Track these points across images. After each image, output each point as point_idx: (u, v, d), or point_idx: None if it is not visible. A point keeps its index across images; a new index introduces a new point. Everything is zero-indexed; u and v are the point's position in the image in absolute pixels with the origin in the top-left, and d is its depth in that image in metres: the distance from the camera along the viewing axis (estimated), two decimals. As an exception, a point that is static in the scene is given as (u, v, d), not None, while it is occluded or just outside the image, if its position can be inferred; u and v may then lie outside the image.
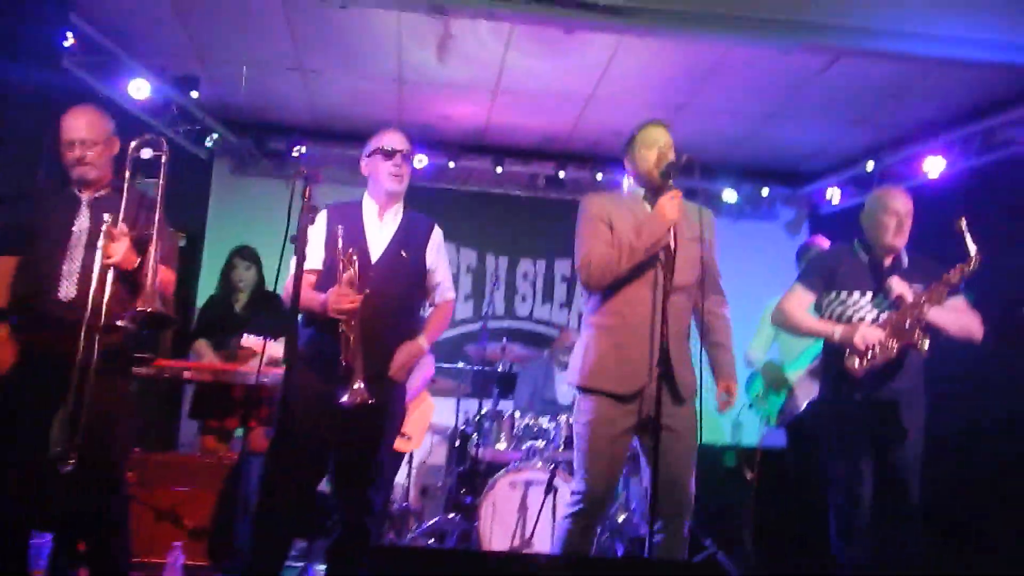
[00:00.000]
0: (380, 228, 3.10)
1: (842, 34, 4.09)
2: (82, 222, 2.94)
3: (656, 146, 2.90)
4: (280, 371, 4.12)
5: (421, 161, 6.17)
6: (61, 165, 3.00)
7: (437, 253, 3.20)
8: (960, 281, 3.32)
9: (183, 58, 5.12)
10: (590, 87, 5.26)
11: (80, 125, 2.98)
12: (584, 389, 2.91)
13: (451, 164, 6.24)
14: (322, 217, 3.09)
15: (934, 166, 5.38)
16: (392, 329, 3.02)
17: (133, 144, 3.00)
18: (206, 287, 6.00)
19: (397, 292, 3.03)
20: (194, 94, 5.33)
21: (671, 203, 2.76)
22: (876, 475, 3.43)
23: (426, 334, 3.12)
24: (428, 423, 4.90)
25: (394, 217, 3.14)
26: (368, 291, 2.87)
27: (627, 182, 3.09)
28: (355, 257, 2.88)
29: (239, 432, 4.41)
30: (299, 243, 2.67)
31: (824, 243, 4.74)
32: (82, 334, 2.77)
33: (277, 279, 2.84)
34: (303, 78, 5.35)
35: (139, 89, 4.97)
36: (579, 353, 2.96)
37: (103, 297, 2.81)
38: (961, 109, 5.21)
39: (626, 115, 5.51)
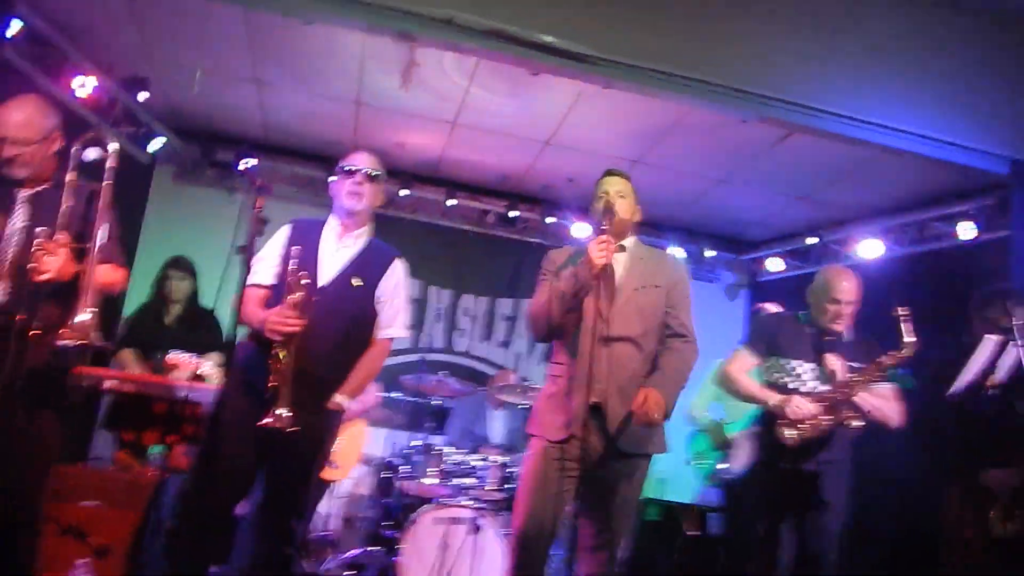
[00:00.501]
0: (336, 251, 3.03)
1: (798, 112, 4.24)
2: (15, 220, 2.76)
3: (604, 197, 2.91)
4: (206, 387, 4.01)
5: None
6: None
7: (394, 287, 3.10)
8: (893, 366, 3.39)
9: (133, 58, 4.95)
10: (548, 132, 5.31)
11: (15, 121, 2.78)
12: (529, 434, 2.95)
13: (402, 192, 6.19)
14: (283, 231, 3.02)
15: (870, 249, 5.56)
16: (329, 358, 2.92)
17: (78, 143, 2.81)
18: (136, 295, 5.79)
19: (340, 321, 2.94)
20: (143, 96, 5.17)
21: (597, 247, 2.72)
22: (796, 542, 3.49)
23: (346, 386, 2.98)
24: (359, 452, 4.79)
25: (354, 241, 3.06)
26: (310, 317, 2.77)
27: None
28: (304, 280, 2.79)
29: (156, 449, 4.23)
30: (246, 255, 2.58)
31: (774, 309, 4.82)
32: (11, 343, 2.58)
33: (218, 293, 2.73)
34: (258, 90, 5.26)
35: (83, 86, 4.76)
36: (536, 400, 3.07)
37: (35, 307, 2.62)
38: (901, 198, 5.43)
39: (581, 163, 5.63)
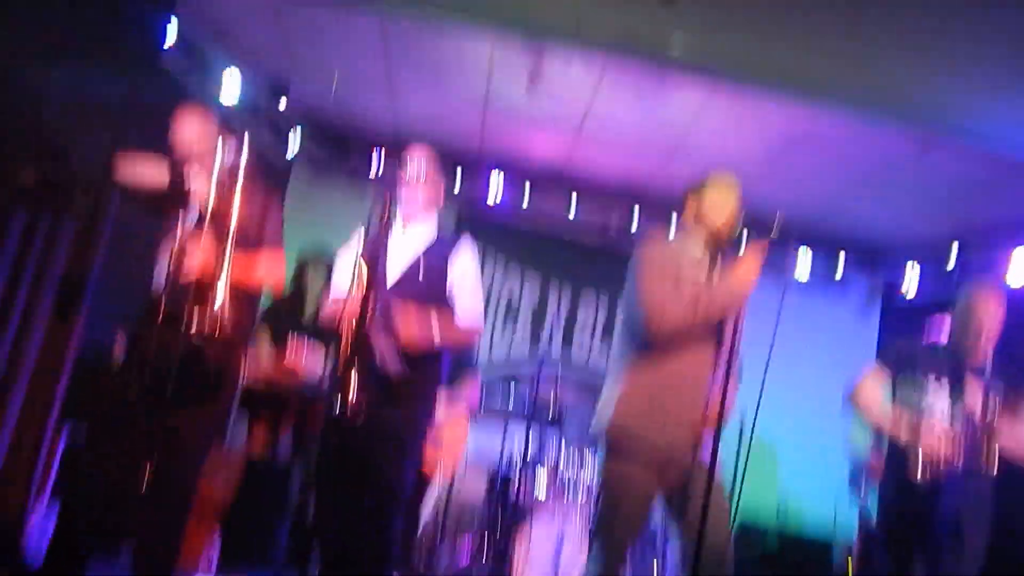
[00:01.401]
0: (402, 246, 3.08)
1: (941, 127, 4.00)
2: (187, 216, 2.91)
3: (729, 203, 2.79)
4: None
5: (496, 189, 6.15)
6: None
7: (463, 273, 3.08)
8: None
9: (275, 64, 5.19)
10: (673, 140, 5.21)
11: (192, 137, 2.96)
12: (610, 439, 2.73)
13: (525, 196, 6.21)
14: (356, 237, 3.06)
15: (1018, 274, 5.15)
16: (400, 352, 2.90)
17: (222, 143, 2.92)
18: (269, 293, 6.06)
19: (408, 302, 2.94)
20: (282, 103, 5.40)
21: (755, 265, 2.65)
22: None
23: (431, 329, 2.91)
24: (461, 451, 4.81)
25: (420, 235, 3.11)
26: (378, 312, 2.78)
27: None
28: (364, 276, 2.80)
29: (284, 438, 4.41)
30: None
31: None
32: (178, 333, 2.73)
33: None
34: (389, 95, 5.39)
35: (230, 93, 5.03)
36: (610, 397, 2.77)
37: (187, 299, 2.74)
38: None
39: (707, 170, 5.44)
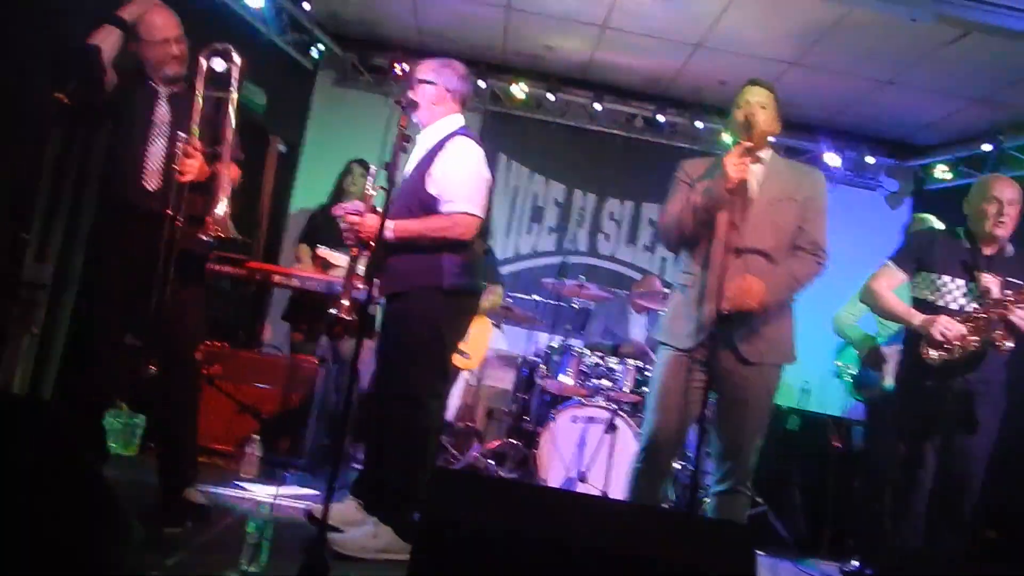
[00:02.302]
0: (414, 153, 3.17)
1: (976, 9, 3.89)
2: (161, 114, 3.01)
3: (745, 108, 2.84)
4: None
5: (522, 91, 6.16)
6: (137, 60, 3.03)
7: (444, 163, 3.06)
8: None
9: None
10: (700, 33, 5.14)
11: (167, 22, 3.02)
12: (658, 341, 2.99)
13: (550, 96, 6.21)
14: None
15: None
16: (394, 250, 3.02)
17: (204, 53, 3.01)
18: (301, 194, 6.21)
19: (399, 214, 3.02)
20: (306, 5, 5.42)
21: (733, 162, 2.69)
22: (939, 462, 3.41)
23: (403, 222, 2.99)
24: (487, 344, 5.00)
25: (426, 140, 3.17)
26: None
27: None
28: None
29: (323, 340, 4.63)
30: (390, 170, 2.74)
31: (933, 220, 4.57)
32: (165, 226, 2.87)
33: (386, 206, 2.89)
34: (412, -4, 5.38)
35: (255, -1, 5.05)
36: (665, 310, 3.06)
37: (179, 197, 2.89)
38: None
39: (733, 66, 5.43)
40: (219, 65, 3.03)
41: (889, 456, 3.69)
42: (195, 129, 2.93)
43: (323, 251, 4.35)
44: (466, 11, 5.47)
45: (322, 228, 4.86)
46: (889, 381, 4.28)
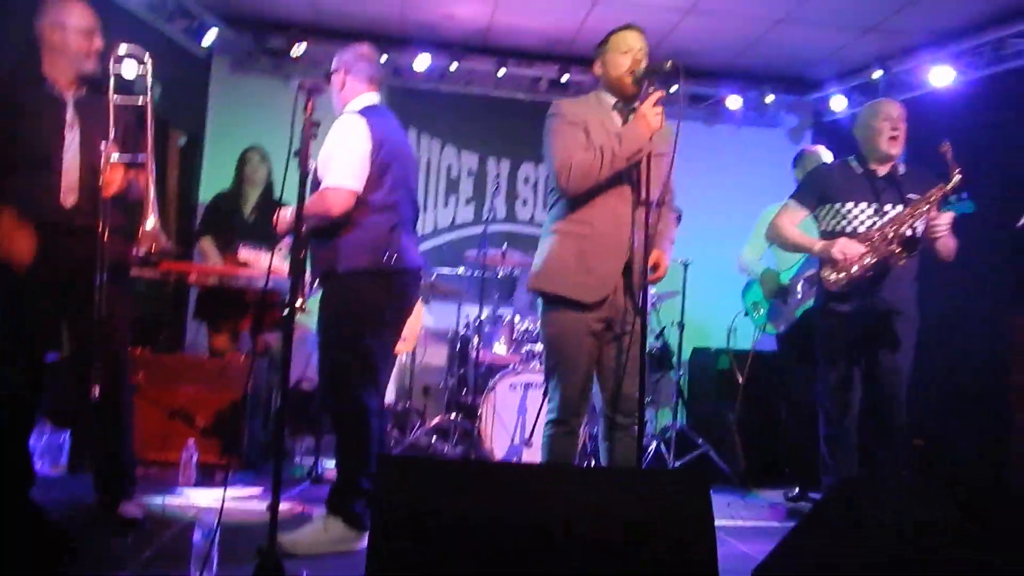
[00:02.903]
0: None
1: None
2: (72, 124, 2.89)
3: (630, 52, 2.85)
4: (283, 276, 4.20)
5: (423, 62, 6.07)
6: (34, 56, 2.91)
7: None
8: (946, 197, 3.33)
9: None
10: (596, -12, 5.14)
11: (91, 14, 2.91)
12: (547, 297, 2.88)
13: (453, 65, 6.13)
14: None
15: (942, 76, 5.31)
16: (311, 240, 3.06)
17: (115, 55, 2.90)
18: (208, 186, 6.00)
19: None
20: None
21: (653, 111, 2.71)
22: (865, 383, 3.56)
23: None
24: (419, 325, 4.98)
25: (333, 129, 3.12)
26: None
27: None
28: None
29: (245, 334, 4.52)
30: (301, 158, 2.66)
31: (822, 152, 4.72)
32: (87, 241, 2.81)
33: (283, 185, 2.82)
34: (302, -26, 5.21)
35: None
36: (541, 258, 2.91)
37: (105, 211, 2.83)
38: (975, 17, 5.10)
39: (632, 18, 5.32)
40: (130, 70, 2.92)
41: (811, 384, 3.83)
42: (112, 138, 2.85)
43: (244, 254, 4.24)
44: (359, -16, 5.33)
45: (224, 218, 4.73)
46: (795, 311, 4.43)
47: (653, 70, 2.79)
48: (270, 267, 2.97)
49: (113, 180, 2.82)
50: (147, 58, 2.94)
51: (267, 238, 4.46)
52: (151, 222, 2.86)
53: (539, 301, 2.95)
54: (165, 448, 3.80)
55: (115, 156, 2.84)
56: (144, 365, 3.92)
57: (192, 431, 3.87)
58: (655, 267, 2.83)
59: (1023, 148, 4.54)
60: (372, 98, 3.17)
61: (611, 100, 2.92)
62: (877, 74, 5.76)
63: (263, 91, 6.10)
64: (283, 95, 6.01)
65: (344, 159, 2.96)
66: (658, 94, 2.75)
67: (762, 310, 4.72)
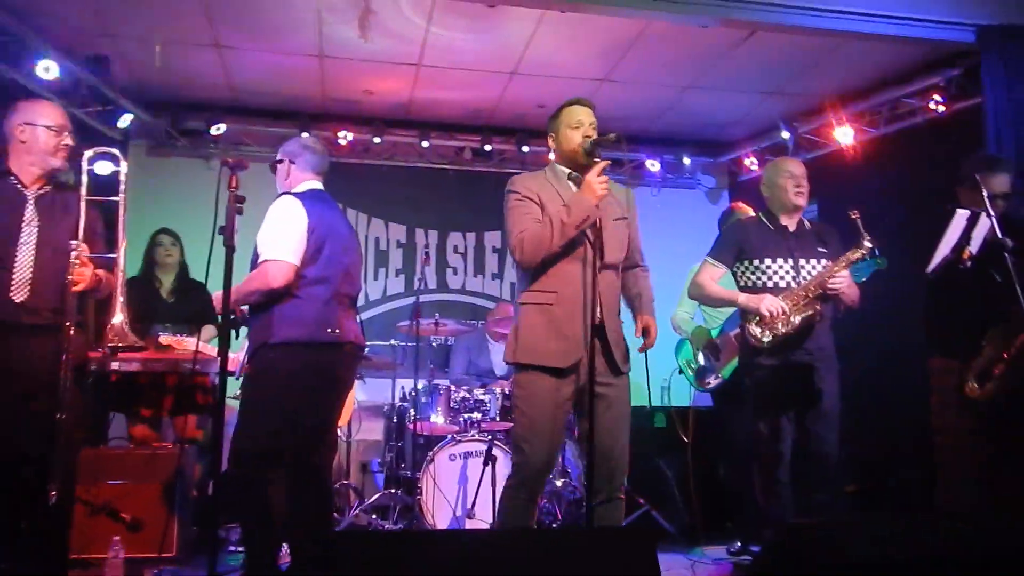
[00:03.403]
0: None
1: (759, 10, 4.24)
2: (31, 220, 2.89)
3: (581, 127, 2.95)
4: (210, 358, 4.10)
5: (345, 137, 6.11)
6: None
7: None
8: (859, 261, 3.53)
9: (91, 36, 4.93)
10: (513, 62, 5.29)
11: (63, 113, 2.99)
12: (521, 366, 2.93)
13: (376, 139, 6.18)
14: None
15: (844, 135, 5.59)
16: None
17: (88, 154, 2.97)
18: (126, 271, 5.83)
19: None
20: (106, 74, 5.14)
21: (598, 180, 2.80)
22: (797, 431, 3.63)
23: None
24: (352, 399, 4.89)
25: None
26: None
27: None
28: None
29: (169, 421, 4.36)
30: (227, 234, 2.64)
31: (746, 209, 4.88)
32: (38, 340, 2.81)
33: (208, 266, 2.79)
34: (219, 54, 5.22)
35: (47, 70, 4.74)
36: (514, 331, 2.98)
37: (70, 308, 2.83)
38: (870, 80, 5.44)
39: (550, 88, 5.61)
40: (105, 170, 3.00)
41: (746, 437, 3.89)
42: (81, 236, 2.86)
43: (165, 339, 4.12)
44: (278, 64, 5.37)
45: (139, 304, 4.60)
46: (724, 368, 4.54)
47: (599, 142, 2.91)
48: (197, 348, 2.92)
49: (83, 277, 2.83)
50: (121, 160, 3.04)
51: (187, 321, 4.35)
52: (118, 318, 2.87)
53: (512, 370, 3.03)
54: (89, 547, 3.60)
55: (85, 253, 2.86)
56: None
57: (118, 527, 3.68)
58: (645, 333, 3.00)
59: (924, 200, 4.78)
60: (314, 185, 3.27)
61: (565, 172, 3.02)
62: (784, 135, 6.04)
63: (182, 172, 6.04)
64: (203, 176, 5.97)
65: (278, 233, 3.03)
66: (602, 164, 2.84)
67: (693, 367, 4.81)
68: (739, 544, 4.50)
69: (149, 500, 3.81)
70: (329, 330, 3.03)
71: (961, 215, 3.27)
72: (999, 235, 3.03)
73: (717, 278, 3.75)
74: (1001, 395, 3.20)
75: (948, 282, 3.32)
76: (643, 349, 2.99)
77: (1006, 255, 3.04)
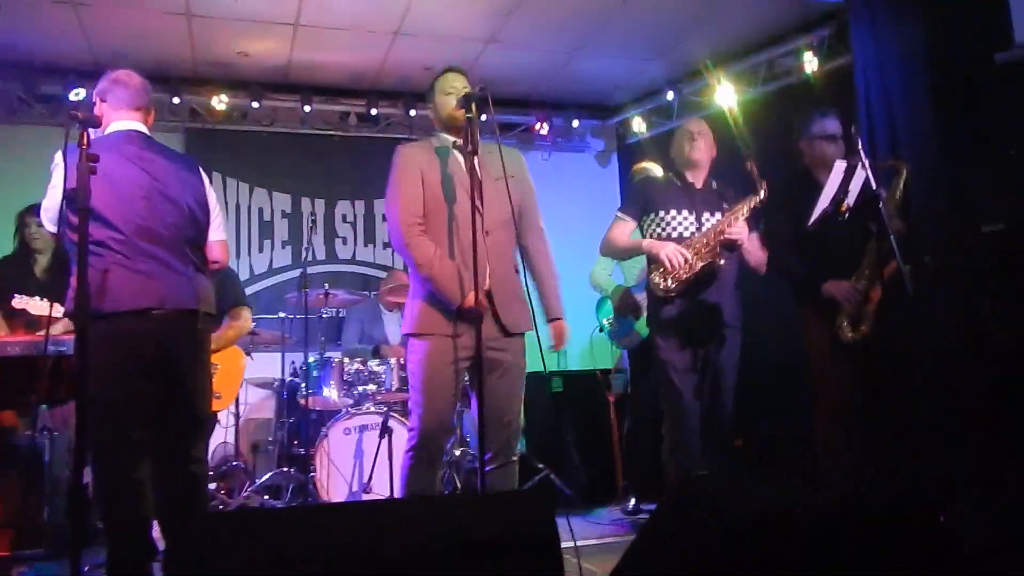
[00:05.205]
0: None
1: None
2: None
3: (454, 91, 2.95)
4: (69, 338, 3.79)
5: (221, 102, 5.80)
6: None
7: None
8: (753, 210, 3.58)
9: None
10: (396, 21, 5.11)
11: None
12: (412, 335, 2.94)
13: (255, 104, 5.89)
14: None
15: (726, 95, 5.68)
16: None
17: None
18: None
19: None
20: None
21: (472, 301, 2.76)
22: (701, 381, 3.66)
23: None
24: (240, 377, 4.70)
25: None
26: None
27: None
28: None
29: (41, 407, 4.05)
30: (80, 196, 2.40)
31: (654, 169, 4.86)
32: None
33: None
34: (76, 13, 4.82)
35: None
36: (407, 303, 3.01)
37: None
38: (748, 40, 5.53)
39: (435, 50, 5.47)
40: None
41: (652, 392, 3.93)
42: None
43: (20, 300, 3.77)
44: (142, 24, 5.01)
45: (13, 285, 4.25)
46: (643, 324, 4.55)
47: (469, 95, 2.83)
48: (48, 326, 2.66)
49: None
50: None
51: (62, 296, 4.03)
52: None
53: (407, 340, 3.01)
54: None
55: None
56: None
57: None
58: (556, 335, 3.05)
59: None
60: (126, 125, 2.93)
61: (450, 140, 2.99)
62: (669, 95, 6.10)
63: (38, 141, 5.58)
64: (60, 144, 5.54)
65: (45, 200, 2.88)
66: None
67: (617, 326, 4.79)
68: (633, 502, 4.57)
69: (15, 493, 3.54)
70: (102, 301, 2.66)
71: (838, 167, 3.35)
72: (874, 186, 3.12)
73: (628, 232, 3.78)
74: (873, 335, 3.34)
75: (823, 234, 3.40)
76: (555, 348, 3.06)
77: (880, 205, 3.12)
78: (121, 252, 2.74)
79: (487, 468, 2.81)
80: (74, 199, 2.52)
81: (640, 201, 3.80)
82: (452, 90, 2.95)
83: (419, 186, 2.90)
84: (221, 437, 4.85)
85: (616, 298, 4.72)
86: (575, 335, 4.90)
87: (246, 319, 4.58)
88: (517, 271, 3.03)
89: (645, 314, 4.46)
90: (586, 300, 4.96)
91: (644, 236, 3.78)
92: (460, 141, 2.88)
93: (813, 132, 3.63)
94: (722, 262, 3.56)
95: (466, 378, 3.04)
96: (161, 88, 5.57)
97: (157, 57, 5.45)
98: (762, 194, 3.55)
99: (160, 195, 2.87)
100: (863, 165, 3.16)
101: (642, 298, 4.58)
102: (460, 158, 2.91)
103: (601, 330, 4.95)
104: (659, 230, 3.71)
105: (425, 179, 2.90)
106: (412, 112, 6.19)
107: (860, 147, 3.20)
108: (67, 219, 2.66)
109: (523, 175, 3.09)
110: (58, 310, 3.46)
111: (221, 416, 4.74)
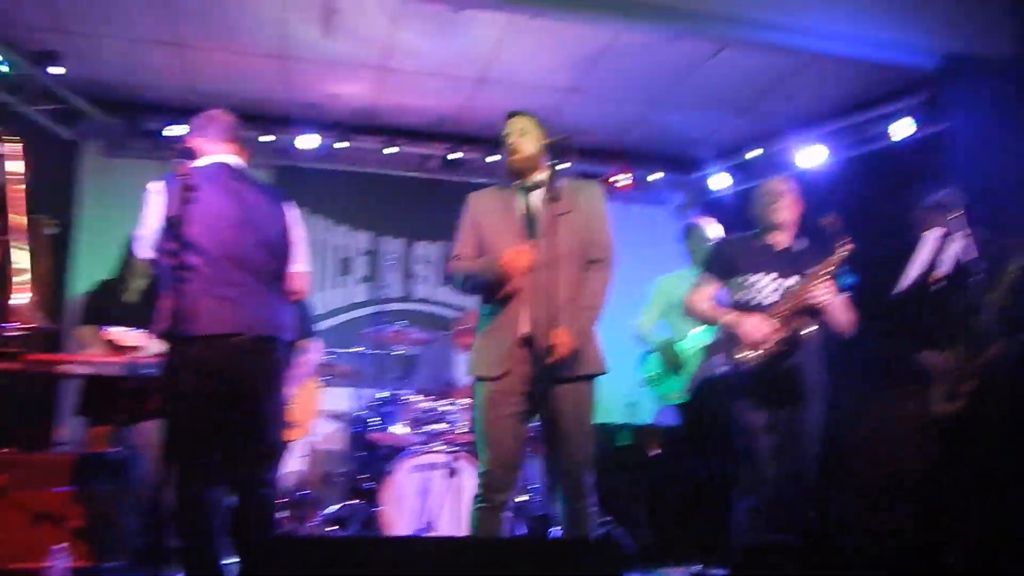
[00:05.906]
0: None
1: (728, 24, 4.26)
2: None
3: (508, 139, 3.02)
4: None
5: (311, 141, 6.00)
6: None
7: None
8: (838, 268, 3.43)
9: (44, 33, 4.78)
10: (479, 69, 5.24)
11: None
12: (474, 378, 3.00)
13: (341, 144, 6.08)
14: None
15: (812, 156, 5.60)
16: None
17: None
18: (84, 275, 5.65)
19: None
20: (55, 70, 4.96)
21: (517, 257, 2.82)
22: (777, 446, 3.52)
23: None
24: (316, 407, 4.78)
25: None
26: None
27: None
28: None
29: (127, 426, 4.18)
30: (177, 223, 2.52)
31: (706, 222, 4.84)
32: None
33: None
34: (179, 53, 5.09)
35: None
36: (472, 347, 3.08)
37: None
38: (837, 103, 5.47)
39: (517, 97, 5.56)
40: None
41: (720, 455, 3.80)
42: None
43: (111, 333, 3.93)
44: (240, 65, 5.25)
45: (107, 307, 4.44)
46: (694, 382, 4.47)
47: (552, 145, 2.95)
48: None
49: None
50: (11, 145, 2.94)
51: (148, 323, 4.18)
52: (23, 296, 2.74)
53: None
54: (31, 555, 3.42)
55: None
56: (7, 467, 3.56)
57: (63, 535, 3.51)
58: (557, 344, 2.84)
59: (889, 223, 4.79)
60: (219, 158, 3.08)
61: (518, 184, 3.05)
62: (752, 154, 6.05)
63: (138, 174, 5.84)
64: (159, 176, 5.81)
65: (140, 227, 2.99)
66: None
67: (662, 382, 4.74)
68: (701, 567, 4.42)
69: (99, 507, 3.65)
70: (188, 324, 2.75)
71: (930, 236, 3.25)
72: (969, 257, 3.01)
73: (710, 295, 3.70)
74: (967, 411, 3.18)
75: (915, 303, 3.29)
76: (551, 360, 2.81)
77: (971, 278, 3.02)
78: (208, 278, 2.84)
79: (562, 511, 2.84)
80: (171, 226, 2.66)
81: (724, 262, 3.71)
82: (507, 137, 3.02)
83: (473, 233, 3.01)
84: (294, 466, 4.92)
85: (664, 352, 4.66)
86: (620, 388, 4.81)
87: (314, 351, 4.67)
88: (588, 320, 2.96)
89: (702, 372, 4.38)
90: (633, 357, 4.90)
91: (733, 298, 3.70)
92: (527, 182, 2.98)
93: (928, 203, 3.50)
94: (804, 332, 3.42)
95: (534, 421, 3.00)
96: (252, 126, 5.81)
97: (251, 96, 5.69)
98: (843, 251, 3.40)
99: (248, 224, 2.97)
100: (964, 235, 3.06)
101: (694, 354, 4.51)
102: (525, 199, 2.99)
103: (648, 384, 4.87)
104: (744, 294, 3.62)
105: (483, 223, 3.00)
106: (489, 159, 6.26)
107: (960, 218, 3.11)
108: (162, 245, 2.78)
109: (592, 208, 3.03)
110: (143, 336, 3.61)
111: (295, 445, 4.83)
